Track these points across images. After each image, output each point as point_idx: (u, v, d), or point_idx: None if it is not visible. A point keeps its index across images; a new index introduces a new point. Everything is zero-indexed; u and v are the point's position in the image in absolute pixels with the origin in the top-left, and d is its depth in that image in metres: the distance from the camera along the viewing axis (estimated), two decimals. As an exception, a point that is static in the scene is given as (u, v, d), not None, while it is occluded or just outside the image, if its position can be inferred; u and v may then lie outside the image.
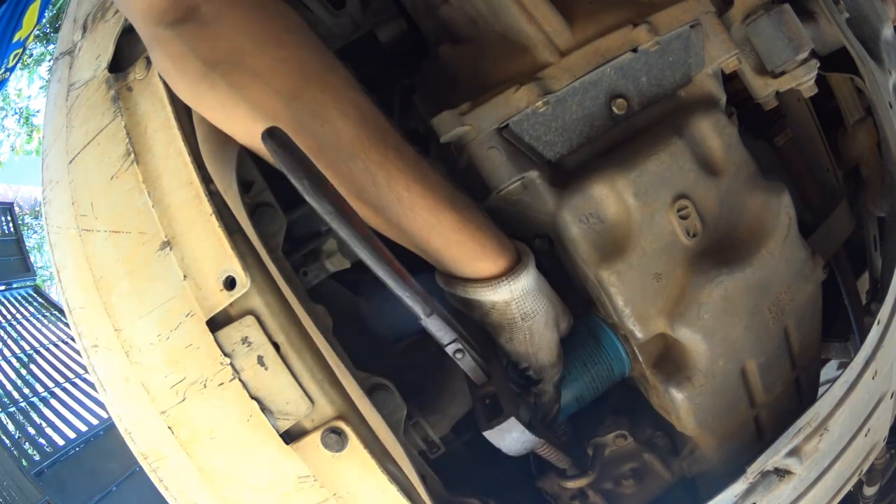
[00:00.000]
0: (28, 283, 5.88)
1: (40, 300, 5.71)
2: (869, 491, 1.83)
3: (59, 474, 3.56)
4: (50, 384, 4.43)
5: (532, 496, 1.00)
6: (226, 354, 0.76)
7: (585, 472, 0.94)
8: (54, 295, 6.21)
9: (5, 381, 4.13)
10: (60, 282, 1.03)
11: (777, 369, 0.90)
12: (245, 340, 0.76)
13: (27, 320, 5.20)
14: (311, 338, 0.74)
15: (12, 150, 6.54)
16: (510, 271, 0.74)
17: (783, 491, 0.86)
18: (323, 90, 0.69)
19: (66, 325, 5.36)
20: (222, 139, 0.76)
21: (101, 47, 0.98)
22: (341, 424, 0.75)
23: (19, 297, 5.56)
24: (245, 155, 0.78)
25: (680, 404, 0.86)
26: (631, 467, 0.97)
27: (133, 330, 0.86)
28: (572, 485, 0.94)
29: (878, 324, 0.88)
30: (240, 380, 0.76)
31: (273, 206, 0.79)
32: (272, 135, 0.60)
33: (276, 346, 0.75)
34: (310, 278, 0.85)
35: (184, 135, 0.83)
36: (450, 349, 0.73)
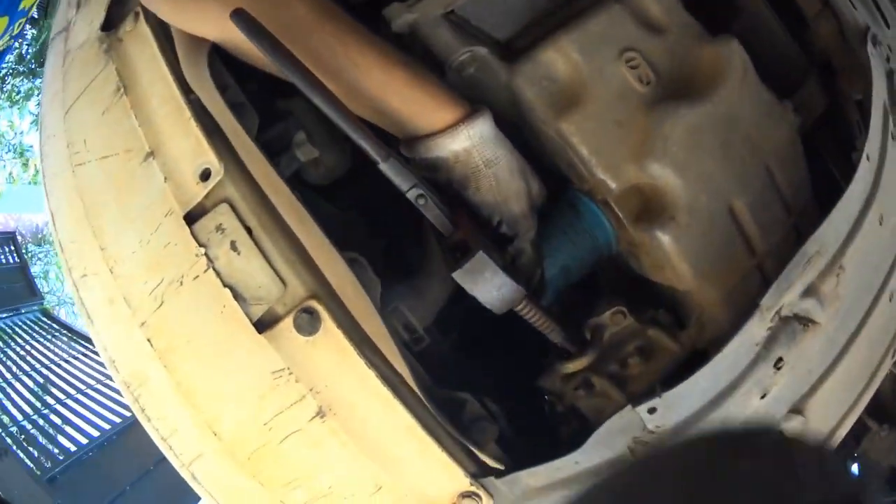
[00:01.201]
0: (35, 307, 5.92)
1: (49, 322, 5.75)
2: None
3: (71, 479, 3.55)
4: (62, 396, 4.45)
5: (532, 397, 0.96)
6: (201, 245, 0.78)
7: (584, 351, 0.88)
8: (63, 316, 6.26)
9: (18, 400, 4.16)
10: (55, 226, 1.05)
11: (770, 212, 0.88)
12: (219, 228, 0.77)
13: (37, 341, 5.23)
14: (284, 220, 0.76)
15: (9, 180, 6.57)
16: (466, 118, 0.77)
17: (811, 344, 0.81)
18: None
19: (78, 343, 5.41)
20: (195, 45, 0.82)
21: (94, 13, 1.04)
22: (313, 303, 0.74)
23: (28, 322, 5.60)
24: (218, 61, 0.83)
25: (669, 248, 0.84)
26: (635, 346, 0.90)
27: (117, 244, 0.88)
28: (573, 367, 0.88)
29: (868, 159, 0.84)
30: (214, 269, 0.77)
31: (247, 104, 0.83)
32: (239, 14, 0.69)
33: (249, 231, 0.76)
34: (282, 168, 0.87)
35: (167, 61, 0.87)
36: (411, 195, 0.73)
